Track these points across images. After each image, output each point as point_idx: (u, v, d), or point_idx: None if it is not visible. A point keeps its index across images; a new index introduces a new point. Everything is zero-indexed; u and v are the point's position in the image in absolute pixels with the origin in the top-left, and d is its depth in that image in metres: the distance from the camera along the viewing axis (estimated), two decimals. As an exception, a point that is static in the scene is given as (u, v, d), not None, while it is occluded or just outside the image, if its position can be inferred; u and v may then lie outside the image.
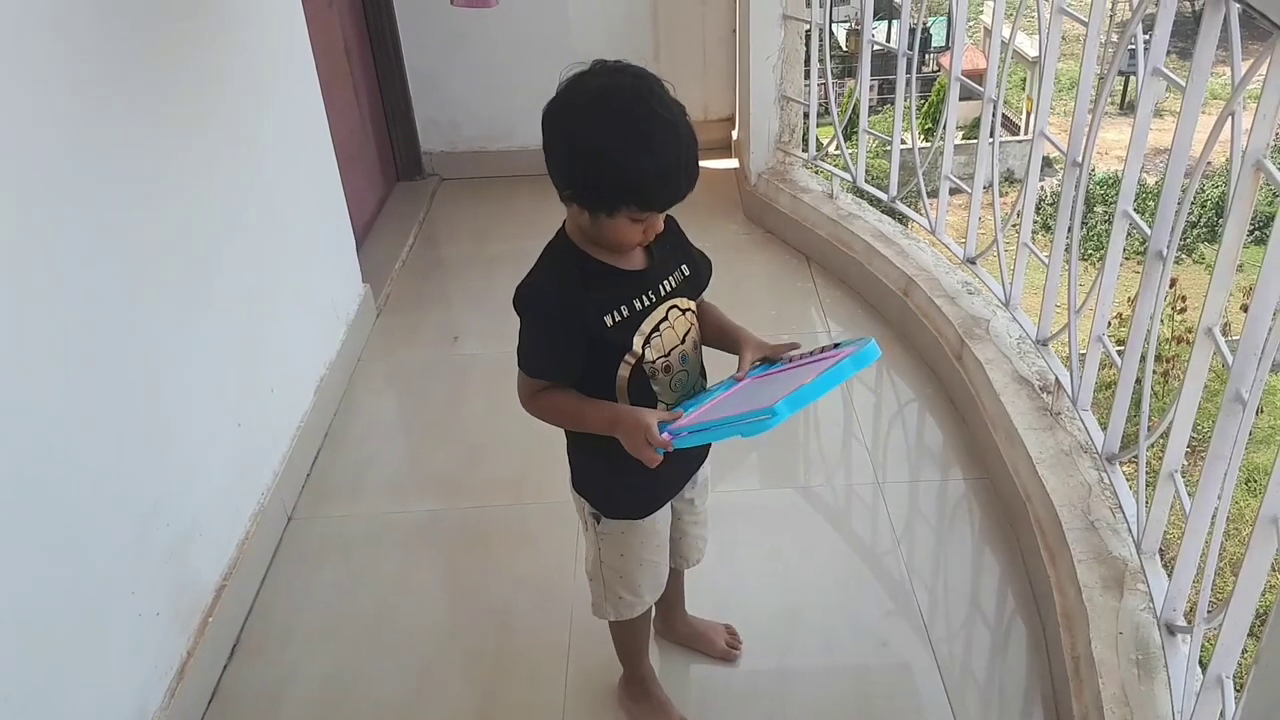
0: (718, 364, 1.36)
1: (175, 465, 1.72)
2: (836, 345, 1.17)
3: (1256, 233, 2.14)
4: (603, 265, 1.24)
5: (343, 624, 1.90)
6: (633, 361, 1.25)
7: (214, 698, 1.75)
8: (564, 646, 1.79)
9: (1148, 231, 1.63)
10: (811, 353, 1.22)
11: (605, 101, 1.13)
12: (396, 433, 2.50)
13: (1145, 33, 1.63)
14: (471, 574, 2.00)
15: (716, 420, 1.16)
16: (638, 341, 1.25)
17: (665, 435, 1.17)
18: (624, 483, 1.39)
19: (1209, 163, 1.54)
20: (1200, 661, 1.41)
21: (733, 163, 3.58)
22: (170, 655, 1.66)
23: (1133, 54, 1.68)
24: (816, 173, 3.21)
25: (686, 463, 1.45)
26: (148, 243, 1.67)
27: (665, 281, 1.28)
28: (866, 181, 2.97)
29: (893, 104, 2.77)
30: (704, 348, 1.36)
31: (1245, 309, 1.30)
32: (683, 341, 1.30)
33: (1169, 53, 1.62)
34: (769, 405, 1.05)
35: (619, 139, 1.12)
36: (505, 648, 1.82)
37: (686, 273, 1.32)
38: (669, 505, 1.47)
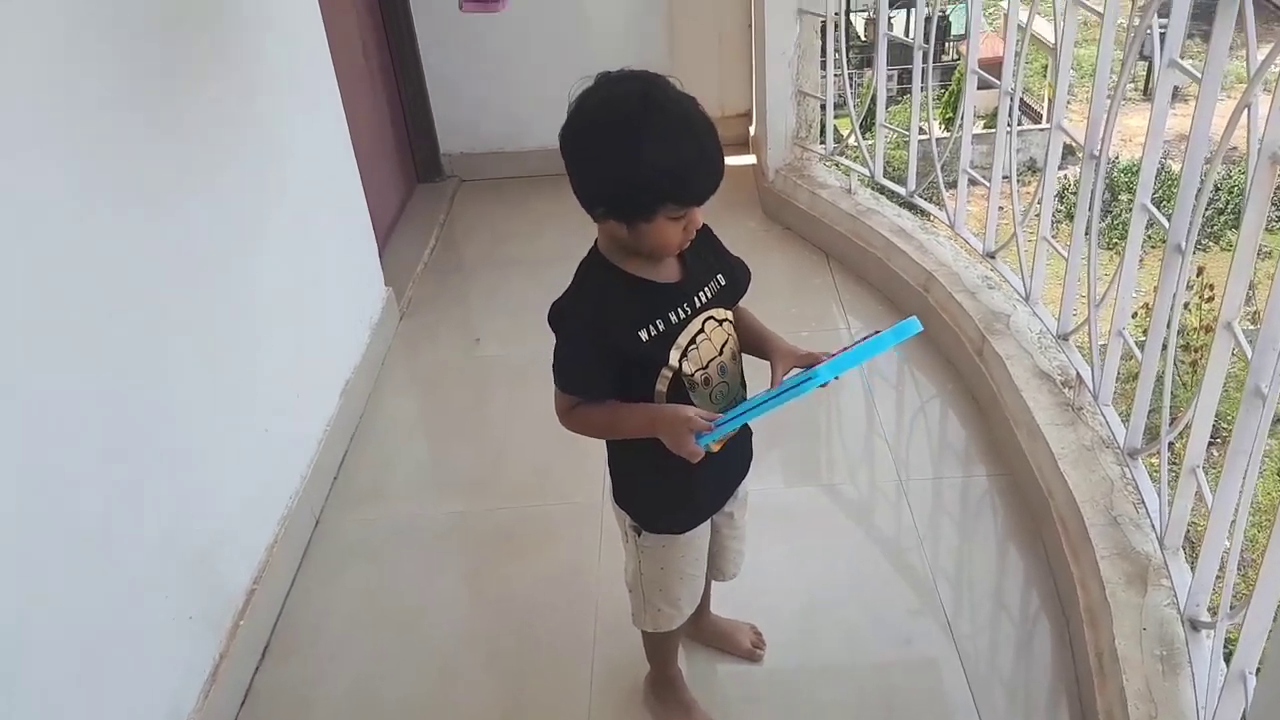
0: (758, 373, 1.33)
1: (205, 471, 1.75)
2: (877, 333, 1.18)
3: (1281, 222, 2.11)
4: (637, 279, 1.24)
5: (370, 625, 1.93)
6: (670, 375, 1.25)
7: (246, 699, 1.78)
8: (589, 646, 1.81)
9: (1166, 225, 1.62)
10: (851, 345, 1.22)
11: (612, 113, 1.14)
12: (420, 435, 2.52)
13: (1162, 18, 1.61)
14: (496, 574, 2.02)
15: (755, 399, 1.18)
16: (674, 356, 1.24)
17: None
18: (667, 495, 1.39)
19: (1233, 148, 1.52)
20: (1225, 657, 1.41)
21: (750, 159, 3.58)
22: (203, 657, 1.69)
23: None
24: (835, 167, 3.21)
25: (727, 475, 1.45)
26: (173, 251, 1.69)
27: (701, 293, 1.28)
28: (885, 176, 2.96)
29: (911, 94, 2.76)
30: (744, 356, 1.36)
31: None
32: (720, 353, 1.29)
33: (1193, 36, 1.60)
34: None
35: (636, 143, 1.12)
36: (530, 648, 1.84)
37: (723, 282, 1.31)
38: (709, 520, 1.47)
